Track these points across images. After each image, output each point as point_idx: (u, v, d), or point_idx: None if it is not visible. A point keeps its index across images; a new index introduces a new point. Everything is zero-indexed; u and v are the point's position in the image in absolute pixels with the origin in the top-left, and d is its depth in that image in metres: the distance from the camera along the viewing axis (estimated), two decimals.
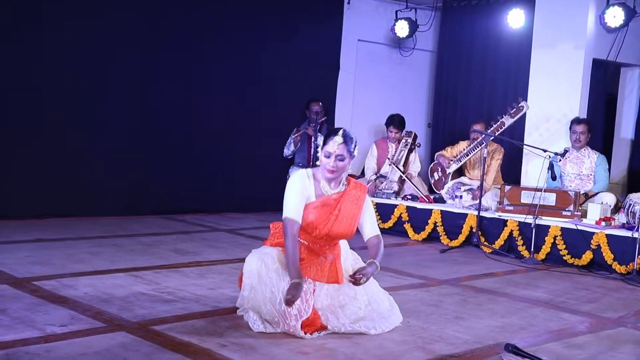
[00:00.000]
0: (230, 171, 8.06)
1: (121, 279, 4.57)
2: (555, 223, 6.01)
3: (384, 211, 7.20)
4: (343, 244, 3.92)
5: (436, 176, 7.58)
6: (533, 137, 7.46)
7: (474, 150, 7.28)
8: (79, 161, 7.05)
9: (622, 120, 8.20)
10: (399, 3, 9.01)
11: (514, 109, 7.03)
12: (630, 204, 5.73)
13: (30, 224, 6.45)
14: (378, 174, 7.79)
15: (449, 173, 7.46)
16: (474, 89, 8.94)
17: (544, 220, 6.07)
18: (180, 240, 6.17)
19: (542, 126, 7.47)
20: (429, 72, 9.75)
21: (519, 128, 7.64)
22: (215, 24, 7.80)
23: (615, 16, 7.05)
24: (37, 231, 6.13)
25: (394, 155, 7.77)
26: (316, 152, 7.57)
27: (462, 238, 6.59)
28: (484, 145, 6.82)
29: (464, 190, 7.14)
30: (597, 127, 7.61)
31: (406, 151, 7.71)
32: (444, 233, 6.78)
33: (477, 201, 6.57)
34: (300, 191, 3.68)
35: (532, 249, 6.04)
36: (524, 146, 7.14)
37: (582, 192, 6.54)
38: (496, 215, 6.46)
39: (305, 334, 3.50)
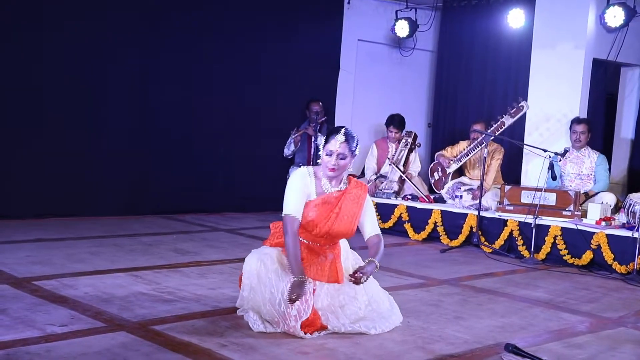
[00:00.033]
0: (230, 171, 8.07)
1: (121, 279, 4.57)
2: (555, 223, 6.01)
3: (384, 211, 7.20)
4: (343, 244, 3.92)
5: (436, 176, 7.59)
6: (533, 137, 7.46)
7: (474, 150, 7.28)
8: (79, 161, 7.05)
9: (622, 120, 8.20)
10: (399, 3, 9.01)
11: (514, 109, 7.03)
12: (630, 204, 5.73)
13: (30, 224, 6.45)
14: (378, 174, 7.79)
15: (449, 173, 7.46)
16: (474, 89, 8.94)
17: (544, 220, 6.07)
18: (181, 240, 6.17)
19: (542, 126, 7.47)
20: (429, 72, 9.75)
21: (519, 128, 7.64)
22: (215, 24, 7.80)
23: (615, 16, 7.05)
24: (37, 231, 6.13)
25: (394, 155, 7.77)
26: (316, 152, 7.58)
27: (462, 238, 6.59)
28: (484, 145, 6.82)
29: (464, 190, 7.14)
30: (597, 127, 7.61)
31: (406, 151, 7.71)
32: (444, 233, 6.78)
33: (477, 201, 6.57)
34: (300, 189, 3.68)
35: (532, 249, 6.04)
36: (524, 146, 7.14)
37: (582, 191, 6.55)
38: (496, 215, 6.46)
39: (305, 334, 3.50)
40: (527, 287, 5.08)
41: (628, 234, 5.55)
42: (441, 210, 6.85)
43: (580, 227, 5.85)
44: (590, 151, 6.83)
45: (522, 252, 6.16)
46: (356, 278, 3.64)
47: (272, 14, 8.18)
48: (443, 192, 7.38)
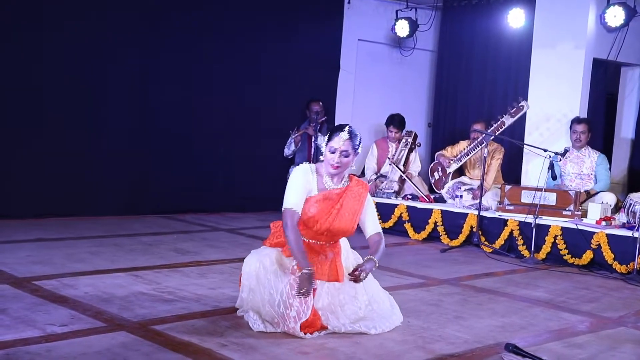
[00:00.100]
0: (230, 171, 8.07)
1: (121, 279, 4.57)
2: (555, 223, 6.01)
3: (384, 211, 7.19)
4: (343, 243, 3.92)
5: (436, 176, 7.58)
6: (533, 137, 7.46)
7: (474, 150, 7.28)
8: (79, 161, 7.05)
9: (623, 119, 8.20)
10: (399, 3, 9.01)
11: (514, 109, 7.03)
12: (630, 204, 5.73)
13: (30, 224, 6.45)
14: (378, 174, 7.79)
15: (449, 173, 7.46)
16: (474, 89, 8.94)
17: (545, 220, 6.07)
18: (181, 240, 6.17)
19: (543, 126, 7.47)
20: (429, 71, 9.75)
21: (519, 128, 7.64)
22: (215, 24, 7.80)
23: (615, 16, 7.05)
24: (37, 231, 6.13)
25: (394, 155, 7.78)
26: (316, 152, 7.58)
27: (462, 238, 6.59)
28: (484, 144, 6.82)
29: (464, 190, 7.14)
30: (597, 126, 7.61)
31: (406, 151, 7.71)
32: (445, 233, 6.78)
33: (478, 201, 6.57)
34: (302, 184, 3.69)
35: (532, 249, 6.04)
36: (524, 146, 7.14)
37: (583, 190, 6.55)
38: (496, 214, 6.46)
39: (305, 334, 3.50)
40: (528, 287, 5.07)
41: (628, 233, 5.55)
42: (441, 210, 6.85)
43: (580, 227, 5.85)
44: (591, 151, 6.83)
45: (522, 252, 6.16)
46: (355, 276, 3.64)
47: (272, 14, 8.18)
48: (443, 191, 7.38)
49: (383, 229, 4.01)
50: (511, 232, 6.27)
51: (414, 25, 8.78)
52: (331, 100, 8.70)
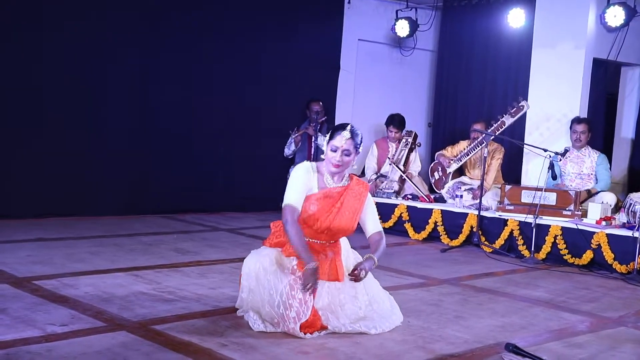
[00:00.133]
0: (230, 171, 8.07)
1: (122, 279, 4.57)
2: (555, 222, 6.01)
3: (384, 211, 7.19)
4: (344, 243, 3.92)
5: (436, 176, 7.58)
6: (533, 137, 7.46)
7: (474, 150, 7.28)
8: (79, 161, 7.05)
9: (623, 119, 8.20)
10: (399, 2, 9.01)
11: (514, 109, 7.03)
12: (630, 204, 5.73)
13: (30, 224, 6.45)
14: (378, 174, 7.79)
15: (450, 172, 7.46)
16: (475, 89, 8.94)
17: (545, 220, 6.07)
18: (181, 240, 6.17)
19: (543, 126, 7.47)
20: (430, 71, 9.75)
21: (519, 127, 7.64)
22: (215, 24, 7.80)
23: (615, 16, 7.05)
24: (37, 231, 6.13)
25: (394, 155, 7.78)
26: (317, 151, 7.57)
27: (462, 237, 6.59)
28: (484, 144, 6.82)
29: (465, 190, 7.14)
30: (597, 126, 7.61)
31: (406, 151, 7.71)
32: (445, 232, 6.78)
33: (478, 201, 6.57)
34: (303, 182, 3.70)
35: (532, 249, 6.04)
36: (525, 146, 7.14)
37: (584, 189, 6.56)
38: (497, 214, 6.46)
39: (305, 334, 3.50)
40: (528, 287, 5.07)
41: (628, 233, 5.55)
42: (441, 210, 6.85)
43: (580, 227, 5.85)
44: (591, 151, 6.83)
45: (522, 252, 6.16)
46: (355, 275, 3.64)
47: (272, 14, 8.18)
48: (443, 191, 7.38)
49: (383, 228, 4.01)
50: (511, 232, 6.27)
51: (414, 25, 8.78)
52: (331, 100, 8.70)
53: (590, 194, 6.59)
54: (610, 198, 6.40)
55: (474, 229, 6.46)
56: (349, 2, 8.81)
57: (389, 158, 7.80)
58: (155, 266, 5.01)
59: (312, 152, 7.72)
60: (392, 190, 7.44)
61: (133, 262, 5.12)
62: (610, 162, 7.26)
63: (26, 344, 3.19)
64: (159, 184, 7.56)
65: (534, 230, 6.02)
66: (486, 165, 6.85)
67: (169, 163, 7.60)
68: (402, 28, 8.80)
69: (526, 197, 6.31)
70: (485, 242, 6.44)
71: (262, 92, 8.16)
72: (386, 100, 9.20)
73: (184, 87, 7.66)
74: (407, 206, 7.11)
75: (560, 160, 6.64)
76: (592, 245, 5.72)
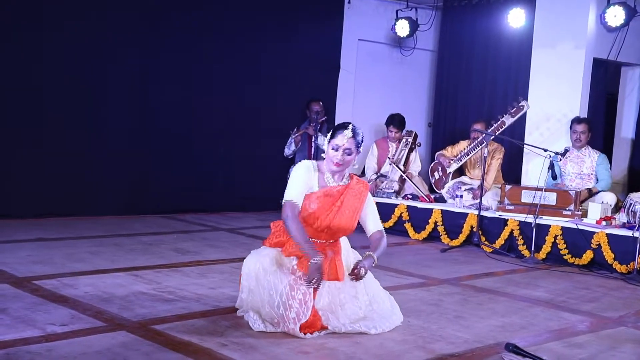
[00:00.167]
0: (230, 171, 8.07)
1: (121, 279, 4.57)
2: (555, 222, 6.01)
3: (384, 210, 7.17)
4: (344, 242, 3.92)
5: (437, 175, 7.58)
6: (533, 137, 7.46)
7: (474, 150, 7.27)
8: (79, 161, 7.05)
9: (623, 119, 8.20)
10: (399, 2, 9.01)
11: (515, 109, 7.03)
12: (630, 204, 5.73)
13: (30, 224, 6.45)
14: (378, 174, 7.79)
15: (450, 172, 7.46)
16: (475, 89, 8.94)
17: (545, 220, 6.07)
18: (181, 240, 6.17)
19: (543, 125, 7.47)
20: (430, 71, 9.75)
21: (519, 127, 7.64)
22: (215, 24, 7.80)
23: (615, 15, 7.05)
24: (37, 230, 6.13)
25: (394, 155, 7.78)
26: (317, 151, 7.57)
27: (462, 237, 6.59)
28: (484, 144, 6.82)
29: (465, 190, 7.14)
30: (597, 126, 7.61)
31: (407, 150, 7.71)
32: (445, 232, 6.78)
33: (478, 201, 6.57)
34: (304, 180, 3.70)
35: (532, 249, 6.03)
36: (525, 145, 7.14)
37: (585, 187, 6.56)
38: (497, 214, 6.46)
39: (305, 334, 3.50)
40: (528, 287, 5.07)
41: (628, 233, 5.55)
42: (441, 210, 6.85)
43: (580, 227, 5.85)
44: (591, 150, 6.83)
45: (522, 252, 6.16)
46: (355, 274, 3.64)
47: (272, 14, 8.18)
48: (443, 191, 7.38)
49: (383, 228, 4.00)
50: (511, 232, 6.27)
51: (414, 25, 8.78)
52: (331, 100, 8.70)
53: (591, 193, 6.59)
54: (610, 198, 6.40)
55: (474, 229, 6.45)
56: (349, 2, 8.81)
57: (389, 158, 7.80)
58: (155, 266, 5.01)
59: (312, 152, 7.71)
60: (392, 190, 7.44)
61: (133, 262, 5.12)
62: (610, 162, 7.26)
63: (26, 344, 3.19)
64: (159, 184, 7.56)
65: (534, 230, 6.02)
66: (486, 165, 6.85)
67: (169, 163, 7.60)
68: (402, 28, 8.80)
69: (526, 197, 6.31)
70: (486, 242, 6.43)
71: (262, 92, 8.16)
72: (386, 100, 9.20)
73: (184, 87, 7.66)
74: (407, 206, 7.11)
75: (561, 160, 6.64)
76: (592, 245, 5.72)
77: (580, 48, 7.22)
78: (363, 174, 8.04)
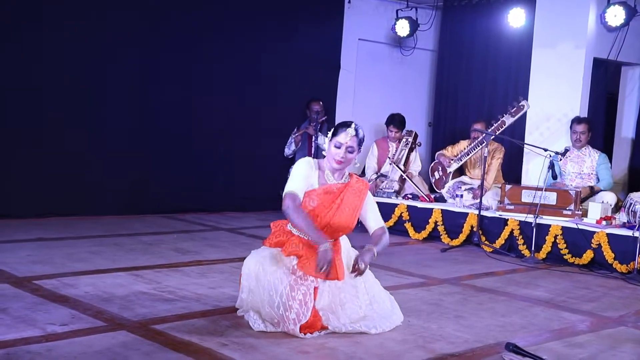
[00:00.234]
0: (230, 171, 8.07)
1: (122, 278, 4.57)
2: (556, 222, 6.01)
3: (384, 210, 7.08)
4: (344, 242, 3.91)
5: (437, 175, 7.58)
6: (534, 137, 7.46)
7: (474, 150, 7.27)
8: (79, 161, 7.05)
9: (623, 119, 8.20)
10: (399, 2, 9.01)
11: (515, 108, 7.03)
12: (631, 203, 5.73)
13: (31, 223, 6.45)
14: (379, 173, 7.79)
15: (450, 172, 7.46)
16: (475, 88, 8.94)
17: (545, 220, 6.07)
18: (181, 240, 6.17)
19: (543, 125, 7.47)
20: (430, 71, 9.75)
21: (519, 127, 7.64)
22: (215, 24, 7.79)
23: (615, 15, 7.05)
24: (37, 230, 6.13)
25: (394, 155, 7.78)
26: (317, 151, 7.57)
27: (462, 237, 6.59)
28: (484, 144, 6.82)
29: (465, 190, 7.14)
30: (597, 126, 7.61)
31: (407, 150, 7.72)
32: (445, 232, 6.77)
33: (478, 200, 6.57)
34: (305, 175, 3.71)
35: (532, 248, 6.03)
36: (525, 145, 7.14)
37: (587, 185, 6.56)
38: (497, 214, 6.46)
39: (305, 334, 3.50)
40: (528, 287, 5.07)
41: (629, 233, 5.55)
42: (442, 210, 6.85)
43: (580, 227, 5.85)
44: (592, 150, 6.83)
45: (522, 252, 6.16)
46: (356, 269, 3.62)
47: (272, 14, 8.18)
48: (444, 191, 7.38)
49: (385, 226, 3.99)
50: (511, 232, 6.27)
51: (414, 25, 8.78)
52: (331, 99, 8.70)
53: (593, 191, 6.59)
54: (610, 198, 6.40)
55: (474, 229, 6.45)
56: (349, 2, 8.81)
57: (389, 158, 7.80)
58: (156, 266, 5.01)
59: (313, 152, 7.71)
60: (393, 190, 7.44)
61: (133, 261, 5.12)
62: (610, 161, 7.26)
63: (26, 344, 3.19)
64: (159, 184, 7.56)
65: (534, 229, 6.02)
66: (486, 165, 6.85)
67: (169, 163, 7.60)
68: (403, 28, 8.80)
69: (526, 197, 6.31)
70: (486, 242, 6.43)
71: (262, 92, 8.16)
72: (386, 99, 9.20)
73: (184, 87, 7.66)
74: (408, 206, 7.11)
75: (561, 159, 6.64)
76: (592, 244, 5.72)
77: (580, 48, 7.22)
78: (363, 173, 8.04)
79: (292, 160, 7.95)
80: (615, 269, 5.58)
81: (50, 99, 6.84)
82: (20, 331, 3.36)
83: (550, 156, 6.26)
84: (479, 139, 7.18)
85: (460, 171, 7.61)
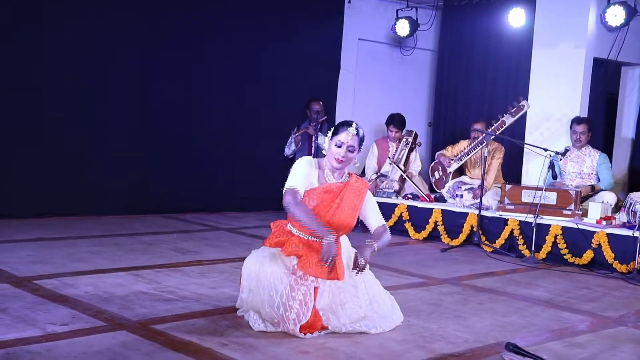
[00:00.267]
0: (230, 171, 8.07)
1: (122, 278, 4.57)
2: (556, 222, 6.01)
3: (384, 210, 7.04)
4: (344, 241, 3.91)
5: (437, 175, 7.58)
6: (534, 136, 7.46)
7: (474, 149, 7.27)
8: (79, 161, 7.05)
9: (623, 119, 8.20)
10: (399, 2, 9.01)
11: (515, 108, 7.03)
12: (631, 203, 5.72)
13: (31, 223, 6.45)
14: (379, 173, 7.79)
15: (450, 172, 7.46)
16: (475, 88, 8.94)
17: (545, 220, 6.07)
18: (181, 239, 6.17)
19: (543, 125, 7.47)
20: (430, 71, 9.75)
21: (519, 127, 7.64)
22: (215, 24, 7.80)
23: (616, 15, 7.04)
24: (38, 230, 6.13)
25: (394, 155, 7.78)
26: (317, 151, 7.57)
27: (462, 237, 6.59)
28: (484, 144, 6.82)
29: (465, 190, 7.14)
30: (597, 126, 7.61)
31: (407, 150, 7.72)
32: (445, 232, 6.77)
33: (478, 200, 6.57)
34: (305, 173, 3.71)
35: (532, 248, 6.03)
36: (525, 145, 7.14)
37: (588, 184, 6.56)
38: (497, 214, 6.46)
39: (305, 334, 3.50)
40: (528, 286, 5.07)
41: (629, 233, 5.55)
42: (442, 210, 6.85)
43: (580, 227, 5.85)
44: (592, 150, 6.82)
45: (522, 252, 6.16)
46: (358, 266, 3.61)
47: (272, 14, 8.18)
48: (444, 191, 7.38)
49: (386, 224, 3.99)
50: (511, 232, 6.27)
51: (414, 25, 8.78)
52: (331, 99, 8.70)
53: (593, 190, 6.59)
54: (610, 197, 6.40)
55: (474, 229, 6.45)
56: (349, 2, 8.81)
57: (389, 158, 7.80)
58: (156, 266, 5.01)
59: (313, 152, 7.71)
60: (393, 190, 7.44)
61: (133, 261, 5.12)
62: (610, 161, 7.26)
63: (26, 344, 3.19)
64: (159, 184, 7.56)
65: (534, 229, 6.02)
66: (486, 165, 6.85)
67: (169, 163, 7.61)
68: (403, 27, 8.80)
69: (526, 197, 6.31)
70: (486, 242, 6.43)
71: (262, 92, 8.16)
72: (386, 99, 9.20)
73: (184, 87, 7.67)
74: (408, 206, 7.11)
75: (561, 159, 6.64)
76: (592, 244, 5.72)
77: (580, 48, 7.22)
78: (363, 173, 8.04)
79: (292, 160, 7.94)
80: (616, 269, 5.58)
81: (50, 99, 6.84)
82: (20, 331, 3.36)
83: (551, 156, 6.26)
84: (479, 139, 7.18)
85: (461, 171, 7.61)
